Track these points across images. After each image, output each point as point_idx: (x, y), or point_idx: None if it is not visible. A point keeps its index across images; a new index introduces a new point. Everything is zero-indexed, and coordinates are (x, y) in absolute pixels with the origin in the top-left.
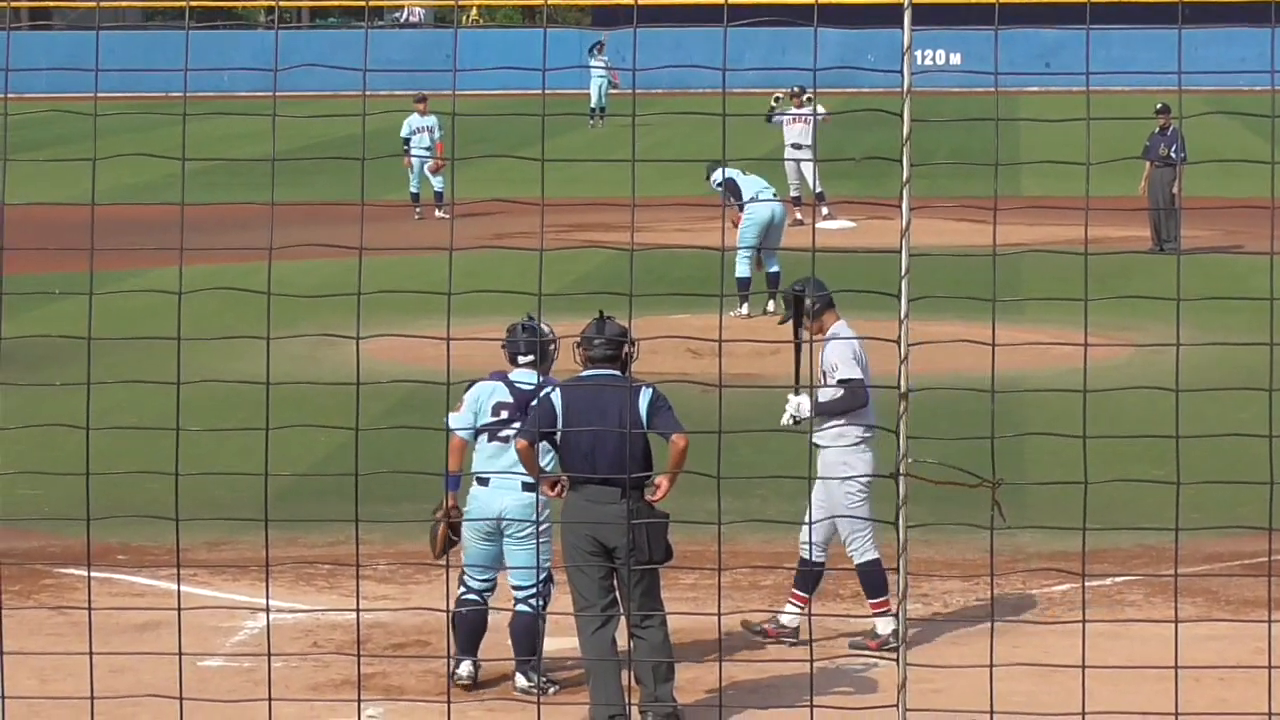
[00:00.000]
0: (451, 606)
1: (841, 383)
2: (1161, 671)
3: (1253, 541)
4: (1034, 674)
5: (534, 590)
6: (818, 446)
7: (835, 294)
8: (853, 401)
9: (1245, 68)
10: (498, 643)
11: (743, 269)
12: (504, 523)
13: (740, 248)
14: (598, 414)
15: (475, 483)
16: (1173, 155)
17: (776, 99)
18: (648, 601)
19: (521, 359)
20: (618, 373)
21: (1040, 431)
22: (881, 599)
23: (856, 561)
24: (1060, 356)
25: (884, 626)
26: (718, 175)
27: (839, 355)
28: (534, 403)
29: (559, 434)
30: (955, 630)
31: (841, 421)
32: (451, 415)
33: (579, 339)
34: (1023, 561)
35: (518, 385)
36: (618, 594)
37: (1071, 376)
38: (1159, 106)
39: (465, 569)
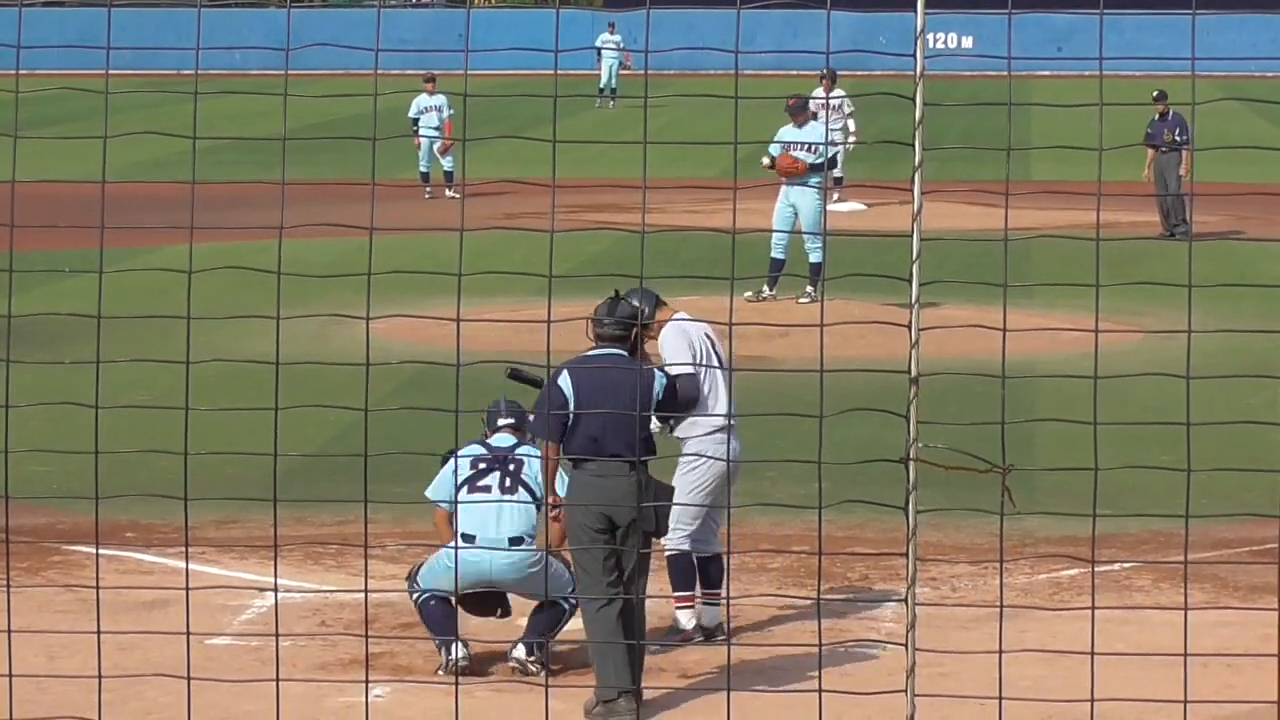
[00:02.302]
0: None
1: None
2: (1170, 657)
3: (1262, 528)
4: (1042, 659)
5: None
6: (680, 438)
7: (847, 278)
8: (688, 391)
9: (1257, 54)
10: (507, 625)
11: (819, 255)
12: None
13: (817, 233)
14: (609, 393)
15: (461, 538)
16: (1177, 139)
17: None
18: (639, 578)
19: (501, 421)
20: (625, 353)
21: (1050, 417)
22: (687, 594)
23: (667, 551)
24: (1071, 341)
25: (685, 621)
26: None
27: (669, 346)
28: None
29: (570, 415)
30: (964, 615)
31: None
32: (429, 489)
33: (592, 315)
34: (1031, 546)
35: (493, 445)
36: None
37: (1082, 362)
38: (1156, 94)
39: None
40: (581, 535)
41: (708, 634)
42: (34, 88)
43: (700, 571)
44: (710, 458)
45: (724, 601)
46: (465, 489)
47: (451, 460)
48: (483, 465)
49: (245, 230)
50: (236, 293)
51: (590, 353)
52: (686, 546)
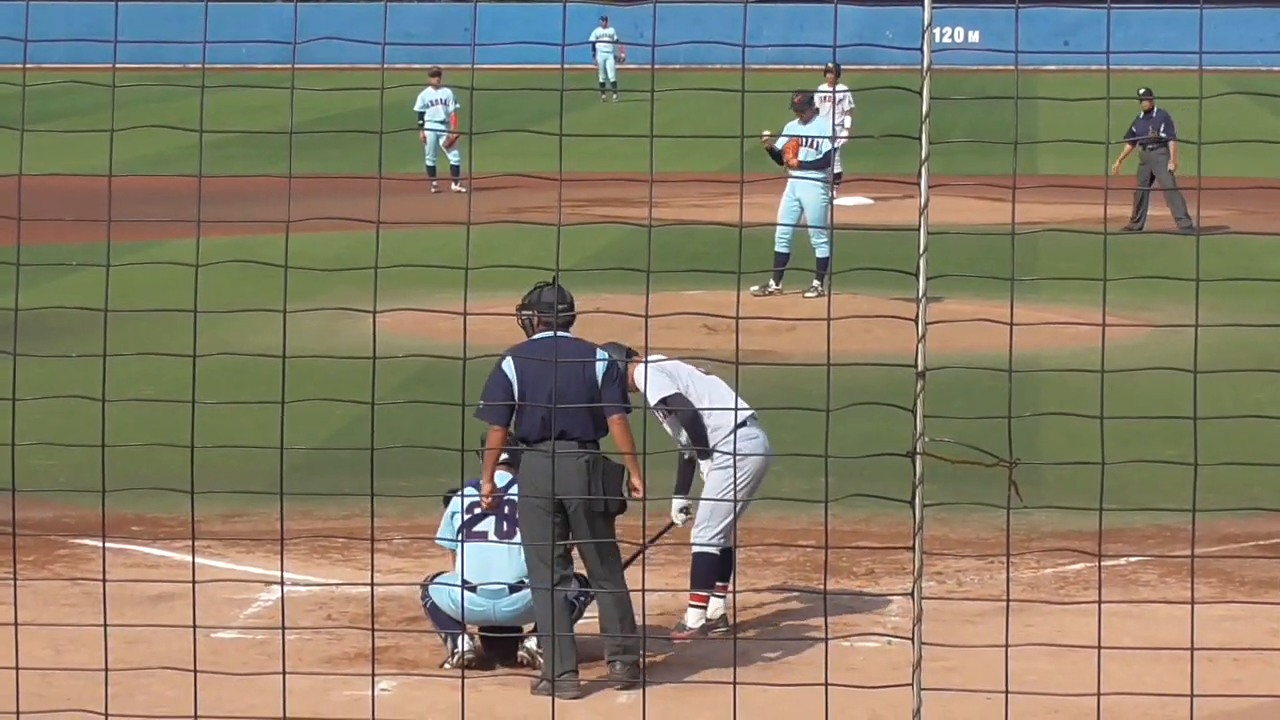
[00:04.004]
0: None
1: (663, 402)
2: (1176, 652)
3: (1268, 522)
4: (1048, 653)
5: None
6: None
7: (854, 272)
8: (686, 411)
9: (1263, 48)
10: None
11: (825, 249)
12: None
13: (823, 227)
14: (551, 376)
15: (463, 586)
16: (1163, 135)
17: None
18: (607, 555)
19: None
20: (566, 334)
21: (1057, 411)
22: (703, 594)
23: (695, 549)
24: (1077, 336)
25: (693, 620)
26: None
27: (652, 386)
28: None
29: (517, 401)
30: (970, 609)
31: (708, 421)
32: (439, 533)
33: (528, 304)
34: (1038, 541)
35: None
36: (579, 555)
37: (1088, 356)
38: (1142, 91)
39: (443, 587)
40: (531, 514)
41: (710, 625)
42: (41, 81)
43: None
44: (721, 452)
45: (729, 594)
46: (462, 534)
47: (452, 502)
48: (477, 510)
49: (251, 224)
50: (243, 287)
51: (535, 338)
52: (715, 547)
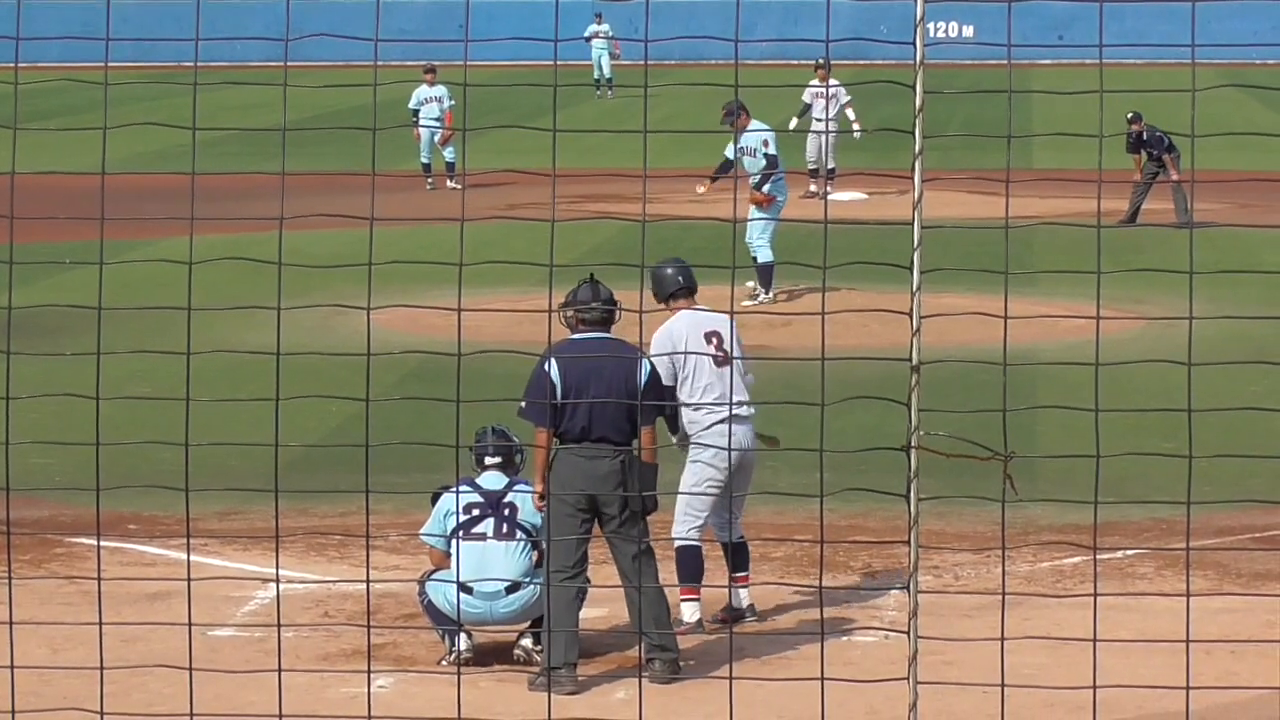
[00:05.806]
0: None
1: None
2: (1172, 645)
3: (1264, 515)
4: (1045, 647)
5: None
6: (686, 435)
7: (847, 266)
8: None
9: (1257, 40)
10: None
11: (765, 254)
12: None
13: (761, 225)
14: (596, 378)
15: (459, 587)
16: (1166, 154)
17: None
18: (644, 556)
19: (489, 460)
20: (609, 335)
21: (1052, 404)
22: (693, 587)
23: (677, 544)
24: (1072, 329)
25: (689, 614)
26: (756, 143)
27: (654, 344)
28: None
29: (560, 403)
30: (966, 603)
31: (687, 415)
32: (423, 529)
33: (569, 300)
34: (1034, 534)
35: (484, 487)
36: (617, 554)
37: (1083, 349)
38: (1130, 116)
39: (440, 586)
40: (560, 512)
41: (739, 614)
42: (34, 80)
43: (727, 558)
44: (711, 445)
45: (749, 585)
46: (461, 534)
47: (443, 500)
48: (475, 511)
49: (246, 221)
50: (238, 284)
51: (575, 337)
52: (695, 539)
